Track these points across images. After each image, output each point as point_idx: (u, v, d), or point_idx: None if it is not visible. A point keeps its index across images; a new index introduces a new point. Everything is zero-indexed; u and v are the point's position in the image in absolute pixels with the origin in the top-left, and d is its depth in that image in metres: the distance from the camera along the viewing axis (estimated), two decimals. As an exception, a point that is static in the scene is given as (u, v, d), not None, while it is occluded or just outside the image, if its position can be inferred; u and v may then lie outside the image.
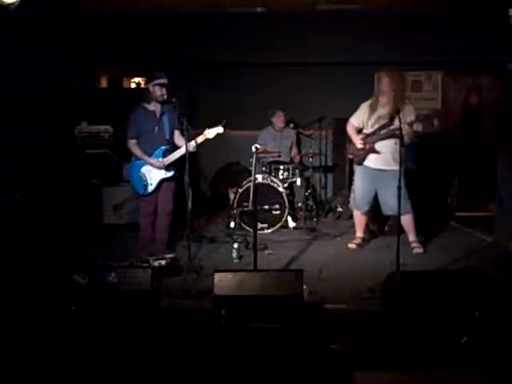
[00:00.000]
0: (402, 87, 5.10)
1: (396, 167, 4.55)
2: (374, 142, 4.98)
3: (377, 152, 4.95)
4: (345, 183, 7.21)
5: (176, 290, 4.01)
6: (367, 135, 5.05)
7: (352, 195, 5.38)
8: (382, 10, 6.91)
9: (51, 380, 2.83)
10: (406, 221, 5.02)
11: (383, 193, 5.00)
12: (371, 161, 5.05)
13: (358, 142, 5.07)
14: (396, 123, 4.75)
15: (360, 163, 5.12)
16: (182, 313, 3.62)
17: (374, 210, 5.30)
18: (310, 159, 6.64)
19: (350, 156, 5.32)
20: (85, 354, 3.04)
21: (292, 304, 3.27)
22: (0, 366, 2.93)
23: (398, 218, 4.34)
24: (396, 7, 6.83)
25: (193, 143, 4.70)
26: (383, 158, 4.95)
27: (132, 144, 4.91)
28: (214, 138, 4.80)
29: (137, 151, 4.89)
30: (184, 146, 4.63)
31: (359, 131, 5.17)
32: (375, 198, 5.14)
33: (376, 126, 4.99)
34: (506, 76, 7.18)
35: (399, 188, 4.20)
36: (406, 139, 4.81)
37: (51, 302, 3.49)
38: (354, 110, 5.27)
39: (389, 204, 4.88)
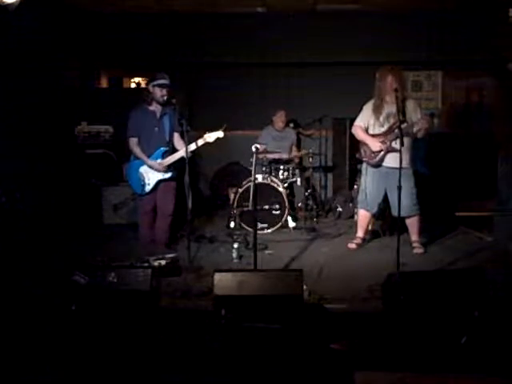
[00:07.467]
0: (404, 84, 4.99)
1: (408, 166, 4.48)
2: (391, 141, 4.81)
3: (396, 151, 4.60)
4: (345, 183, 7.20)
5: (176, 289, 4.01)
6: (380, 135, 4.90)
7: (360, 196, 5.22)
8: (382, 10, 6.91)
9: (51, 380, 2.83)
10: (413, 222, 5.01)
11: (394, 193, 4.82)
12: (385, 160, 4.92)
13: (377, 143, 4.88)
14: (409, 120, 4.76)
15: (379, 164, 4.94)
16: (182, 313, 3.61)
17: (380, 211, 5.29)
18: (310, 159, 6.64)
19: (365, 158, 5.04)
20: (85, 354, 3.03)
21: (292, 304, 3.27)
22: None
23: (398, 217, 4.34)
24: (396, 7, 6.84)
25: (193, 146, 4.70)
26: (397, 156, 4.63)
27: (132, 143, 4.90)
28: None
29: (137, 150, 4.88)
30: (183, 149, 4.63)
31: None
32: (385, 199, 5.06)
33: (387, 125, 4.88)
34: (506, 76, 7.18)
35: (399, 188, 4.21)
36: (422, 134, 4.81)
37: (51, 301, 3.48)
38: (353, 109, 5.26)
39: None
